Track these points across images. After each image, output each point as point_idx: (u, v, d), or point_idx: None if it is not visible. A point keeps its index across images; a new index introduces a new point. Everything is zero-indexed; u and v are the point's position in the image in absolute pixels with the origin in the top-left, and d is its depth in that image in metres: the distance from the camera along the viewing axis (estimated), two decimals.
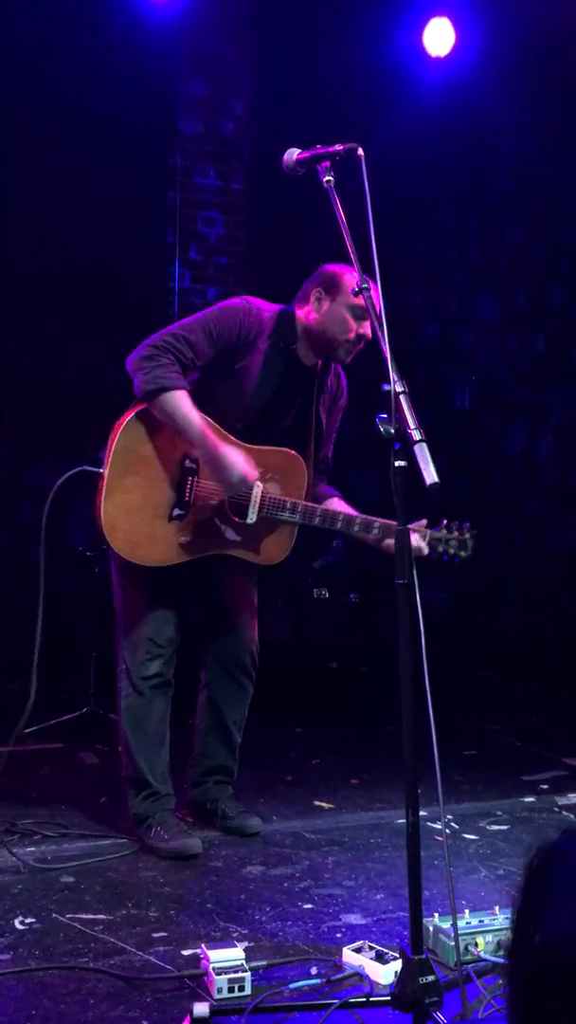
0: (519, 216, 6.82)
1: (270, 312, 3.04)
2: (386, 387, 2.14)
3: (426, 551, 3.04)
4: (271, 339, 3.00)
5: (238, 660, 3.21)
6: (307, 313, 3.04)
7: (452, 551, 3.12)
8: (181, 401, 2.87)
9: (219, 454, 2.87)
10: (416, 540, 2.95)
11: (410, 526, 2.51)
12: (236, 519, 2.97)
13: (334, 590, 5.84)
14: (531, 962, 1.15)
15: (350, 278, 2.93)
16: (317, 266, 3.09)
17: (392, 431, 2.07)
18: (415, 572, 2.02)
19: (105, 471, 2.88)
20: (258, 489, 2.94)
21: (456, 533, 3.13)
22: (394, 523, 2.72)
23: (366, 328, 2.97)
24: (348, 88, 5.62)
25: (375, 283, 2.24)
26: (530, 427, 6.91)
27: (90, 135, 5.30)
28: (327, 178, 2.41)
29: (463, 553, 3.13)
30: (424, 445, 2.04)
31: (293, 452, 3.03)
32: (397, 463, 2.05)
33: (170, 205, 5.94)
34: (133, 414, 2.91)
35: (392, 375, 2.15)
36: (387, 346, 2.17)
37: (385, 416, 2.10)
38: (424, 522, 3.07)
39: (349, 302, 2.96)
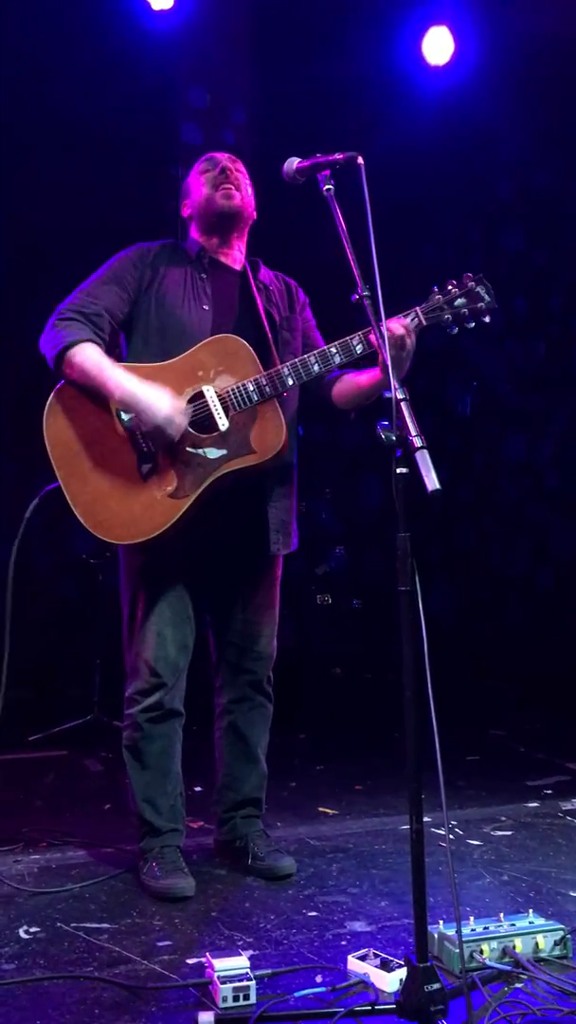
0: (519, 223, 6.84)
1: (162, 241, 2.95)
2: (387, 394, 2.16)
3: (410, 343, 2.62)
4: (180, 261, 2.88)
5: (256, 682, 2.98)
6: (189, 221, 2.97)
7: (467, 310, 2.62)
8: (88, 352, 2.68)
9: (136, 395, 2.62)
10: (396, 329, 2.59)
11: (389, 323, 2.31)
12: (209, 435, 2.67)
13: (337, 596, 5.84)
14: None
15: (194, 171, 2.94)
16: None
17: (393, 438, 2.08)
18: (417, 578, 2.02)
19: (59, 477, 2.70)
20: (210, 392, 2.67)
21: (456, 289, 2.64)
22: (368, 328, 2.55)
23: (221, 165, 2.88)
24: (348, 97, 5.65)
25: (376, 291, 2.24)
26: (531, 433, 6.92)
27: (91, 146, 5.33)
28: (327, 187, 2.43)
29: (482, 305, 2.62)
30: (425, 452, 2.05)
31: (221, 334, 2.74)
32: (398, 470, 2.06)
33: (172, 215, 5.96)
34: (48, 404, 2.73)
35: (393, 382, 2.16)
36: (388, 354, 2.18)
37: (386, 423, 2.11)
38: (397, 321, 2.59)
39: (197, 177, 2.92)
